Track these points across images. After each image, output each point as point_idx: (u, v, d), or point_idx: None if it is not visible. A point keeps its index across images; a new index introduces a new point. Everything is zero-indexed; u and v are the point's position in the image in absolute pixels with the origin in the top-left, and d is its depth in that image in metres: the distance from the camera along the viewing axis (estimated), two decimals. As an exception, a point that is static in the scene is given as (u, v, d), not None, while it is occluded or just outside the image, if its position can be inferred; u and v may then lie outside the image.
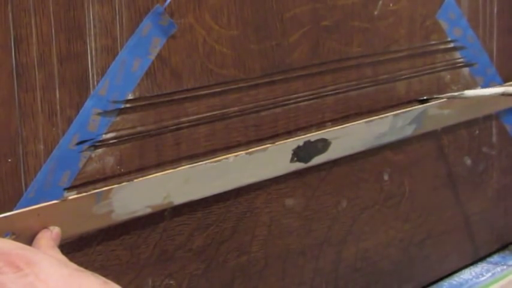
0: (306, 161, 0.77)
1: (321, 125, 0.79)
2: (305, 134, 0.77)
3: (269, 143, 0.74)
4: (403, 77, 0.87)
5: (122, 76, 0.63)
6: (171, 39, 0.66)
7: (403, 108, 0.86)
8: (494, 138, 1.01)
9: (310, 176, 0.80)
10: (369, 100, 0.84)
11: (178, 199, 0.67)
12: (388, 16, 0.85)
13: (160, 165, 0.67)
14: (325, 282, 0.84)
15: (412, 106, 0.87)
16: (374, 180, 0.87)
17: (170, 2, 0.65)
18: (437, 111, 0.89)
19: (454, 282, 0.98)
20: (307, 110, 0.78)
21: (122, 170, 0.64)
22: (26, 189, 0.58)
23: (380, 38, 0.84)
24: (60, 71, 0.59)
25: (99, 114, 0.62)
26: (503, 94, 0.87)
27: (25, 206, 0.58)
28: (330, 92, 0.80)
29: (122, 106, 0.64)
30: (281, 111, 0.76)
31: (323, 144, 0.78)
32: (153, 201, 0.66)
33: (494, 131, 1.00)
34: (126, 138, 0.64)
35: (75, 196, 0.60)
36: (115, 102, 0.63)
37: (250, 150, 0.72)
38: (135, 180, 0.64)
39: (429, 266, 0.96)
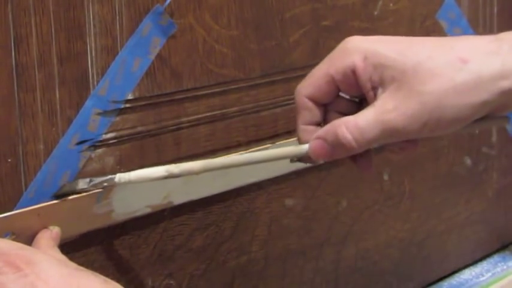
0: (306, 161, 0.77)
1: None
2: (305, 134, 0.77)
3: (269, 143, 0.74)
4: (403, 77, 0.87)
5: (122, 76, 0.63)
6: (171, 39, 0.66)
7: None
8: (494, 138, 1.01)
9: (310, 176, 0.80)
10: (369, 100, 0.84)
11: (178, 199, 0.67)
12: (388, 16, 0.84)
13: (160, 165, 0.67)
14: (325, 282, 0.83)
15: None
16: (374, 180, 0.87)
17: (170, 2, 0.65)
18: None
19: (454, 282, 0.98)
20: (307, 110, 0.78)
21: (122, 170, 0.64)
22: (25, 189, 0.58)
23: (380, 38, 0.84)
24: (60, 71, 0.59)
25: (99, 114, 0.62)
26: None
27: (25, 206, 0.58)
28: (330, 92, 0.80)
29: (122, 106, 0.64)
30: (281, 111, 0.76)
31: (323, 144, 0.78)
32: (153, 201, 0.66)
33: (494, 131, 1.00)
34: (126, 138, 0.64)
35: (75, 196, 0.60)
36: (115, 102, 0.63)
37: (250, 150, 0.72)
38: (135, 180, 0.64)
39: (429, 266, 0.96)
